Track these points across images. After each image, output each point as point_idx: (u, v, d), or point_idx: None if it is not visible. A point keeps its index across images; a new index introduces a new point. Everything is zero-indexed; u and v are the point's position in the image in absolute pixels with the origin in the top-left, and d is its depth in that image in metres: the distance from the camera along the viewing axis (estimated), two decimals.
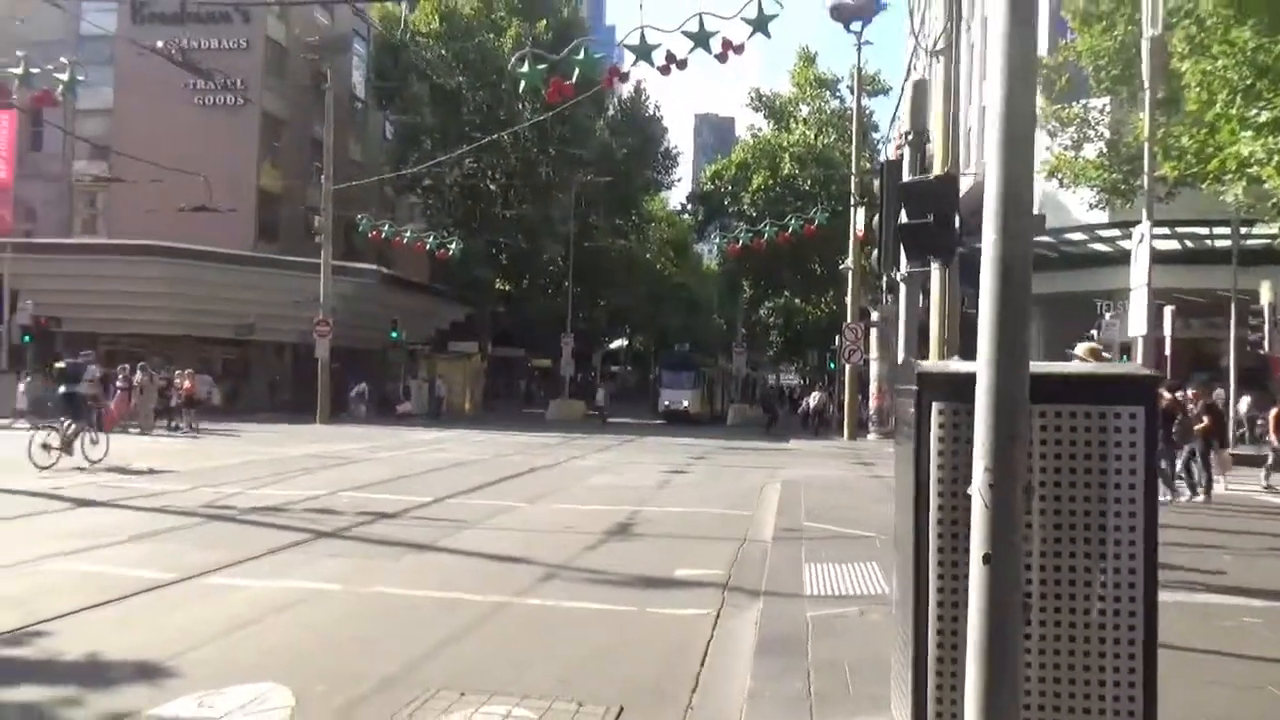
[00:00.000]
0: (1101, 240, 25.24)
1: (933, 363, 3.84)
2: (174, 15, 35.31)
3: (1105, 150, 19.77)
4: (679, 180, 59.30)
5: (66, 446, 15.00)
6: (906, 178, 6.06)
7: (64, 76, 15.30)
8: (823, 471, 17.59)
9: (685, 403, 40.41)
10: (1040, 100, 18.48)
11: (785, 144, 47.96)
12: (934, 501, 3.48)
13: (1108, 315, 20.77)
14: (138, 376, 24.18)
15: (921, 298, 11.17)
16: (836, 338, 31.57)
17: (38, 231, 35.94)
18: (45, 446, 14.63)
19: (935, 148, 9.67)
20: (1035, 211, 19.74)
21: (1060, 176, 20.33)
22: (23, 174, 34.32)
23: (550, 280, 49.10)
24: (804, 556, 8.45)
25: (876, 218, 6.13)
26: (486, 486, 14.26)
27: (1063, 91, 19.45)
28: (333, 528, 9.98)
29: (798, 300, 56.38)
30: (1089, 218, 23.44)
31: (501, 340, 49.75)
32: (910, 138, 5.96)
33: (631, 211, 50.62)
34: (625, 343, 70.11)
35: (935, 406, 3.48)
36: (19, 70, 15.29)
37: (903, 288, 6.20)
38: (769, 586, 7.30)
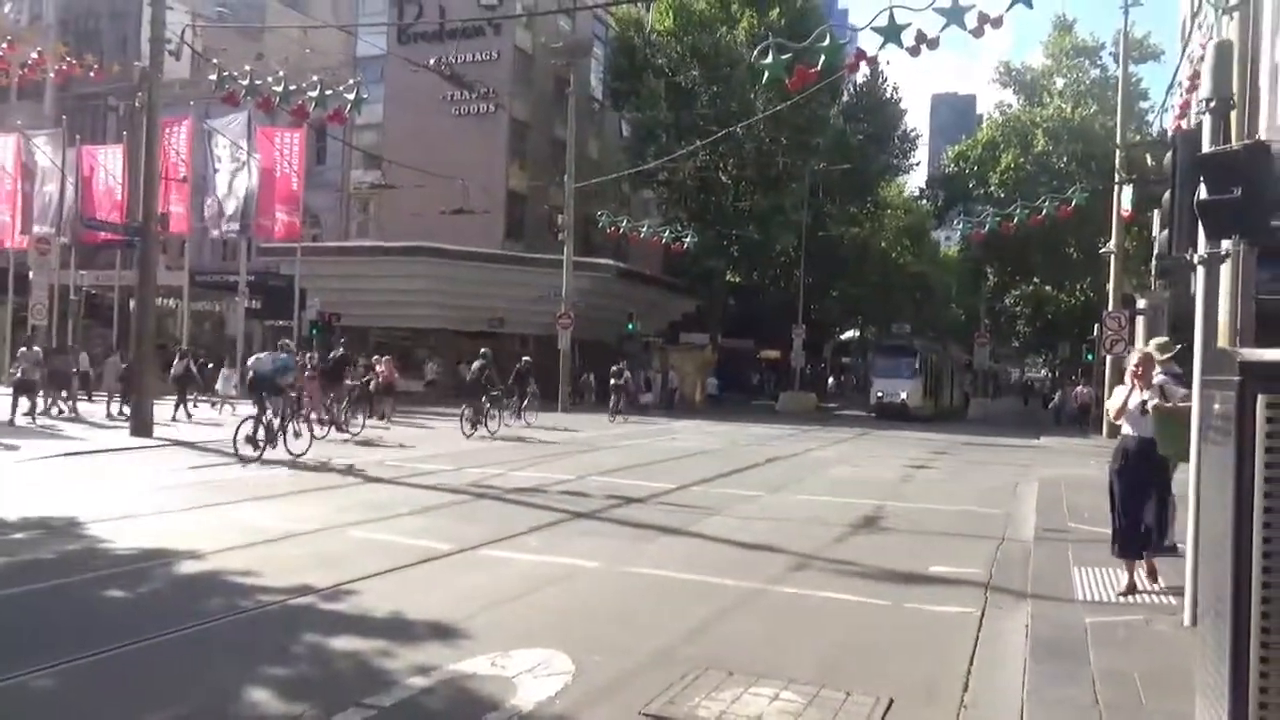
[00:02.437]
0: None
1: (1257, 350, 3.47)
2: (435, 33, 38.60)
3: None
4: (917, 165, 56.53)
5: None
6: (1206, 149, 5.49)
7: (350, 96, 17.15)
8: (1081, 470, 16.32)
9: (903, 395, 35.17)
10: None
11: (1038, 119, 44.70)
12: (1259, 504, 3.16)
13: None
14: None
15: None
16: (1096, 327, 29.06)
17: (322, 236, 40.42)
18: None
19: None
20: None
21: None
22: (309, 185, 38.50)
23: (781, 271, 48.66)
24: (1072, 559, 7.92)
25: (1167, 194, 5.57)
26: (726, 475, 14.44)
27: None
28: (586, 509, 10.52)
29: (1048, 288, 52.53)
30: None
31: (731, 332, 49.96)
32: (1213, 105, 5.36)
33: (867, 198, 49.12)
34: (857, 333, 68.24)
35: (1263, 399, 3.15)
36: (315, 93, 17.27)
37: (1200, 270, 5.61)
38: (1035, 589, 6.91)
